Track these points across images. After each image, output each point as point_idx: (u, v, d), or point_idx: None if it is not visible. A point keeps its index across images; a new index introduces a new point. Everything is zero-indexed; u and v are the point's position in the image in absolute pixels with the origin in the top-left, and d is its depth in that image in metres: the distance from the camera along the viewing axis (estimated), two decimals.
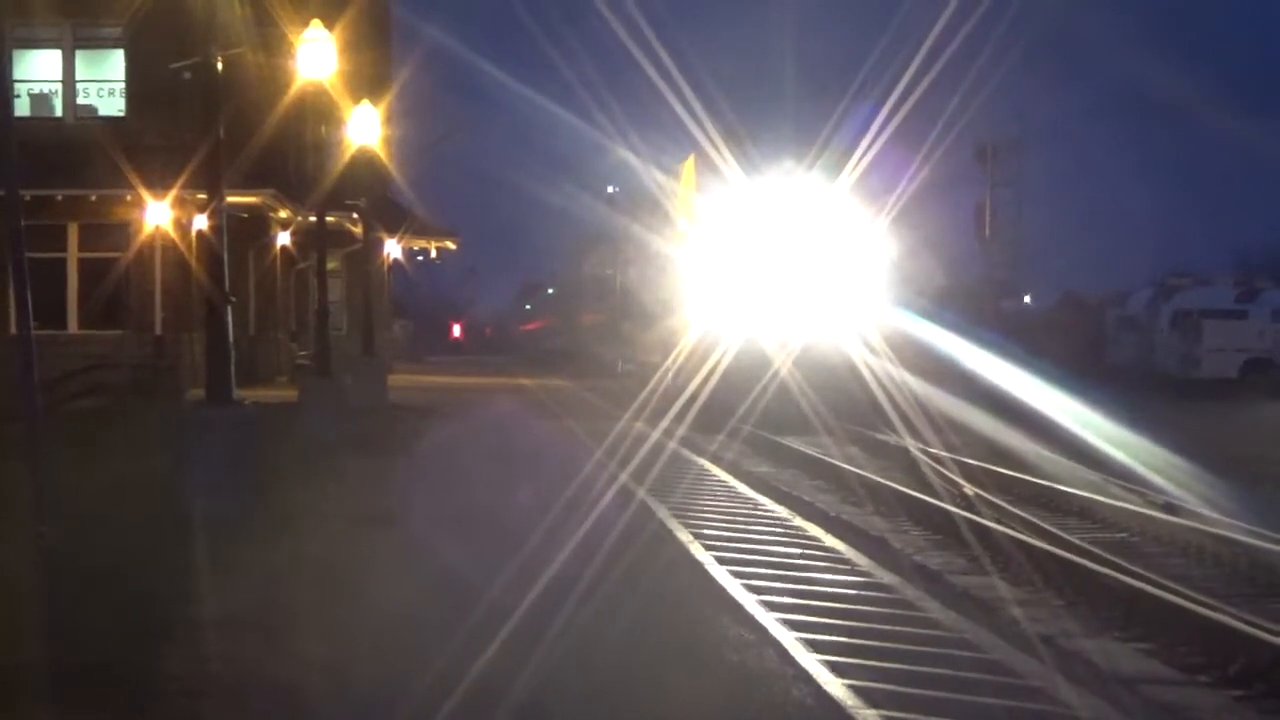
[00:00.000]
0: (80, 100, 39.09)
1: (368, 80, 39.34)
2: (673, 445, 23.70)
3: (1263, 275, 55.71)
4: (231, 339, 17.42)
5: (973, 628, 10.81)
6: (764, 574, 12.65)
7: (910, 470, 23.44)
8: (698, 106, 31.78)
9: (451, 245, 62.40)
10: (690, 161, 36.10)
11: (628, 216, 50.32)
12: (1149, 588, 12.90)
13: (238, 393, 17.57)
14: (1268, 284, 53.02)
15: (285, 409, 25.64)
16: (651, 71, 29.44)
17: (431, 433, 27.12)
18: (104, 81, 39.24)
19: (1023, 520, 17.66)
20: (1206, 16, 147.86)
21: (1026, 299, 72.47)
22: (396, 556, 13.03)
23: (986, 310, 58.25)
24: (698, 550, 13.78)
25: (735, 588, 11.79)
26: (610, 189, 63.91)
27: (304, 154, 44.88)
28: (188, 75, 28.18)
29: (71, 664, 8.88)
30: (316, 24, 25.20)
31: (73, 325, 37.81)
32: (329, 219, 34.21)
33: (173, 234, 36.78)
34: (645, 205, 43.81)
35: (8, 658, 8.79)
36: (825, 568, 13.37)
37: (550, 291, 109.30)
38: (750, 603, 11.14)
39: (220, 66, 17.98)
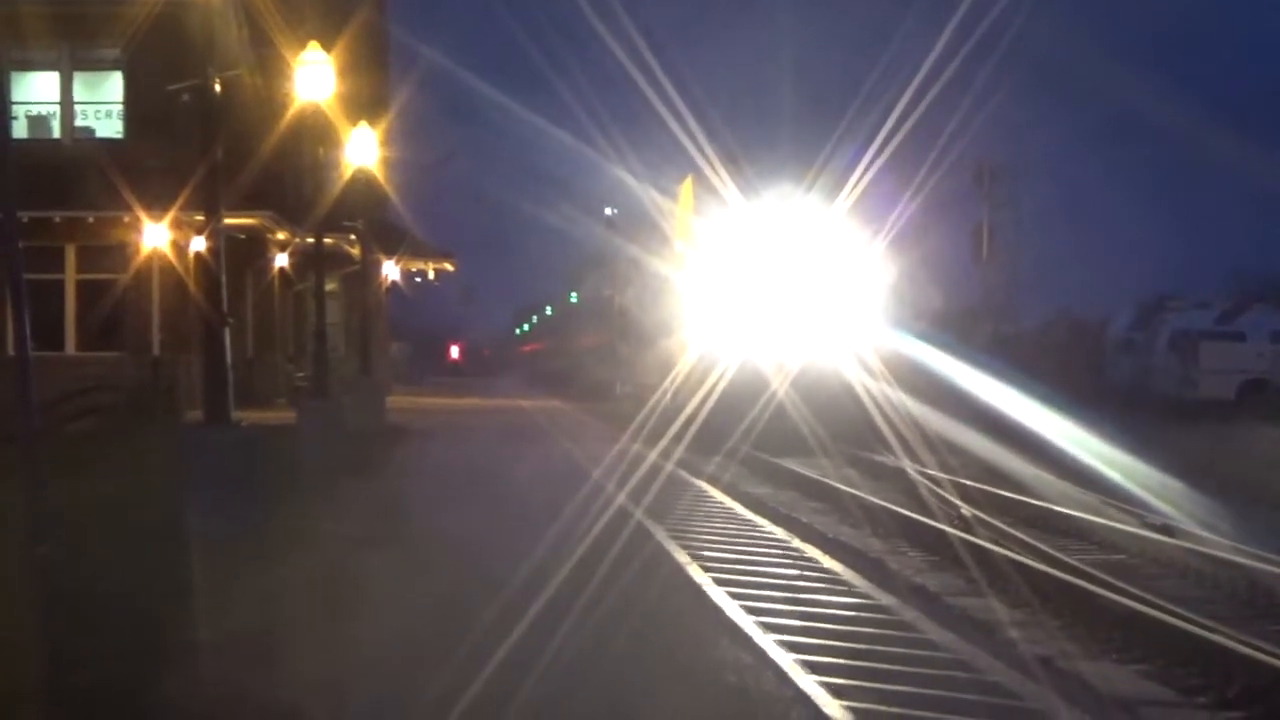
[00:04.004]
0: (78, 122, 39.17)
1: (366, 102, 39.36)
2: (670, 467, 23.70)
3: (1258, 296, 55.67)
4: (229, 361, 17.43)
5: (971, 649, 10.79)
6: (762, 595, 12.64)
7: (908, 492, 23.43)
8: (695, 128, 31.83)
9: (449, 266, 62.42)
10: (688, 183, 36.13)
11: (625, 238, 50.37)
12: (1147, 609, 12.90)
13: (235, 414, 17.56)
14: (1254, 304, 52.98)
15: (283, 431, 25.61)
16: (649, 92, 29.50)
17: (430, 455, 27.14)
18: (102, 103, 39.33)
19: (1020, 542, 17.66)
20: (1202, 43, 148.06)
21: (1023, 321, 72.52)
22: (393, 578, 13.03)
23: (983, 332, 58.29)
24: (695, 571, 13.77)
25: (733, 609, 11.78)
26: (608, 210, 63.97)
27: (302, 176, 44.94)
28: (186, 97, 28.10)
29: (69, 685, 8.86)
30: (314, 46, 25.23)
31: (70, 347, 37.84)
32: (327, 240, 34.24)
33: (170, 256, 36.79)
34: (643, 227, 43.83)
35: (5, 678, 8.78)
36: (823, 589, 13.35)
37: (548, 313, 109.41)
38: (748, 624, 11.13)
39: (218, 88, 18.00)
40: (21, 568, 9.07)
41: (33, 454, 9.24)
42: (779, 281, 33.15)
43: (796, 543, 16.70)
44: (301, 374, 43.63)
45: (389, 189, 46.06)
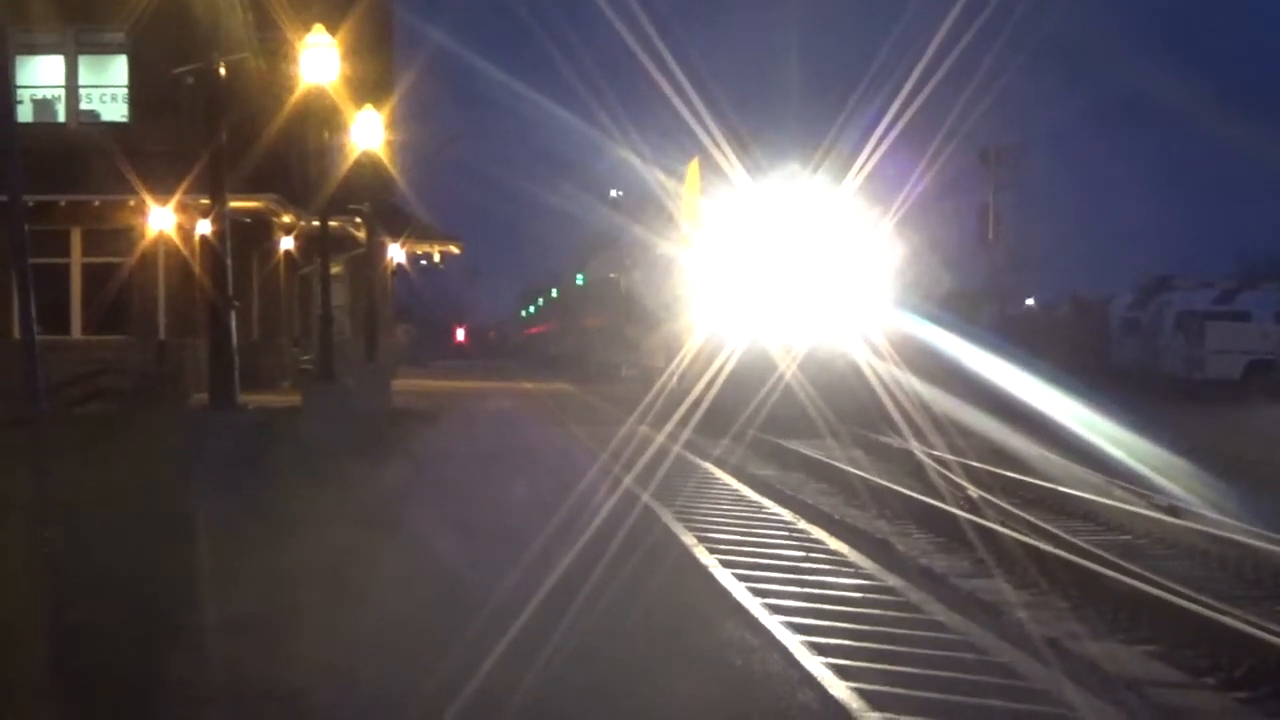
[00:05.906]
0: (83, 105, 39.11)
1: (371, 85, 39.37)
2: (677, 449, 23.69)
3: (1265, 276, 55.63)
4: (235, 344, 17.48)
5: (978, 630, 10.79)
6: (768, 577, 12.63)
7: (915, 473, 23.42)
8: (701, 108, 31.73)
9: (455, 249, 62.42)
10: (694, 164, 36.03)
11: (631, 219, 50.29)
12: (1154, 590, 12.89)
13: (241, 398, 17.62)
14: (1260, 283, 52.90)
15: (289, 414, 25.62)
16: (655, 73, 29.40)
17: (436, 438, 27.13)
18: (107, 87, 39.26)
19: (1027, 523, 17.65)
20: (1210, 22, 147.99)
21: (1030, 301, 72.53)
22: (400, 561, 13.03)
23: (990, 313, 58.26)
24: (702, 553, 13.76)
25: (740, 591, 11.78)
26: (614, 192, 63.92)
27: (307, 159, 44.92)
28: (191, 80, 28.11)
29: (75, 667, 8.87)
30: (319, 29, 25.20)
31: (76, 331, 37.82)
32: (332, 223, 34.29)
33: (176, 239, 36.81)
34: (649, 208, 43.72)
35: (12, 661, 8.78)
36: (830, 571, 13.34)
37: (554, 295, 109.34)
38: (755, 606, 11.12)
39: (223, 72, 18.03)
40: (28, 550, 9.09)
41: (39, 438, 9.26)
42: (786, 263, 33.11)
43: (803, 524, 16.68)
44: (307, 357, 43.67)
45: (394, 172, 46.06)
